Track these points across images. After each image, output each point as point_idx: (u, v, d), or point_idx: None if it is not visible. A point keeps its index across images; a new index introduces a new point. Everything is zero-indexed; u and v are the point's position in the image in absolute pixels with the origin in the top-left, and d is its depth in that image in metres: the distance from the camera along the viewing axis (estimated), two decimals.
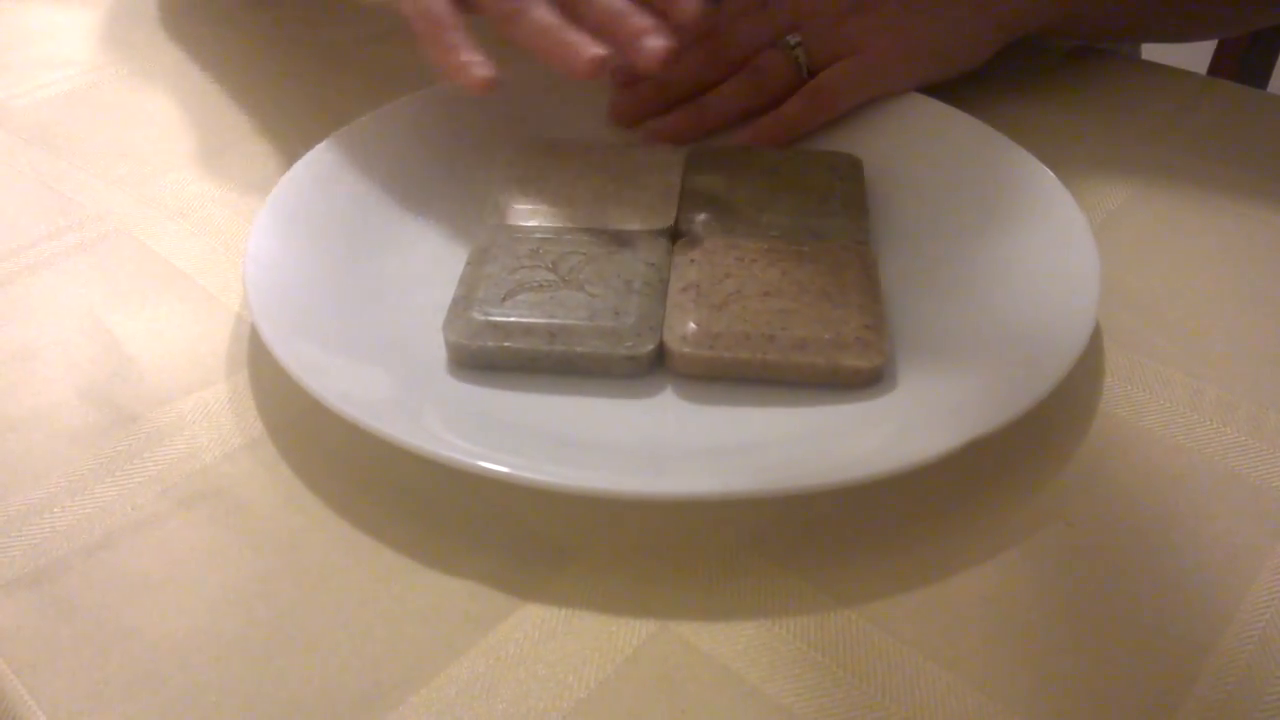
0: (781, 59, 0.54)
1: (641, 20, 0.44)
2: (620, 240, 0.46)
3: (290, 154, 0.56)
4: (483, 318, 0.41)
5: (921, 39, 0.55)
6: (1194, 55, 0.89)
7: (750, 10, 0.57)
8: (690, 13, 0.46)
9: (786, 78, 0.54)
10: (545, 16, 0.45)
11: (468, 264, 0.44)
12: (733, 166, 0.50)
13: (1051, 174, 0.48)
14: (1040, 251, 0.45)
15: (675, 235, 0.47)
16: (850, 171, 0.50)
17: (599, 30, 0.45)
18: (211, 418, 0.41)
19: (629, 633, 0.34)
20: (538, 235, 0.46)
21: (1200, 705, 0.32)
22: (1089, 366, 0.43)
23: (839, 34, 0.54)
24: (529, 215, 0.48)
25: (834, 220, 0.47)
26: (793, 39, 0.54)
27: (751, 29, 0.55)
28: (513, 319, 0.41)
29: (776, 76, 0.54)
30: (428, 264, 0.47)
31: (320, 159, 0.50)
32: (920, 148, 0.53)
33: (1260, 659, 0.33)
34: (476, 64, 0.44)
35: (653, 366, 0.42)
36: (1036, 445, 0.40)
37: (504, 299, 0.42)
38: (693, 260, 0.44)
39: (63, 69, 0.65)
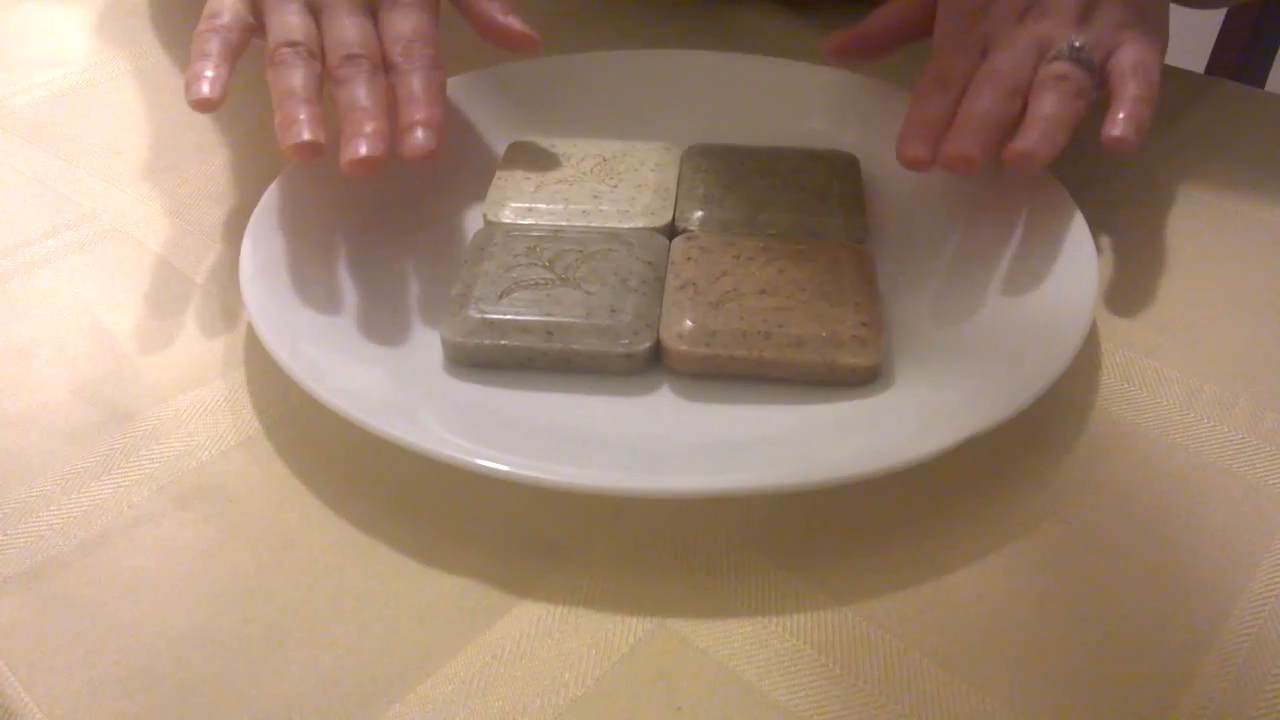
0: (1072, 66, 0.48)
1: (376, 125, 0.45)
2: (617, 238, 0.45)
3: None
4: (479, 315, 0.41)
5: (1148, 5, 0.51)
6: (1191, 54, 0.89)
7: (980, 55, 0.51)
8: (419, 148, 0.46)
9: (1087, 81, 0.48)
10: (297, 79, 0.46)
11: (464, 262, 0.44)
12: (730, 164, 0.50)
13: (1048, 172, 0.48)
14: (1037, 249, 0.45)
15: (672, 233, 0.47)
16: (847, 170, 0.50)
17: (339, 111, 0.46)
18: (207, 415, 0.41)
19: (625, 630, 0.34)
20: (534, 233, 0.46)
21: (1197, 702, 0.32)
22: (1086, 364, 0.43)
23: (1094, 37, 0.49)
24: (526, 213, 0.48)
25: (831, 218, 0.47)
26: (1076, 40, 0.48)
27: (1010, 59, 0.49)
28: (509, 317, 0.41)
29: (1079, 80, 0.48)
30: (424, 262, 0.47)
31: None
32: None
33: (1257, 656, 0.33)
34: (200, 81, 0.45)
35: (649, 364, 0.41)
36: (1033, 443, 0.40)
37: (500, 297, 0.42)
38: (690, 258, 0.44)
39: (59, 67, 0.65)
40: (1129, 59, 0.48)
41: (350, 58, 0.47)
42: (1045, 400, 0.37)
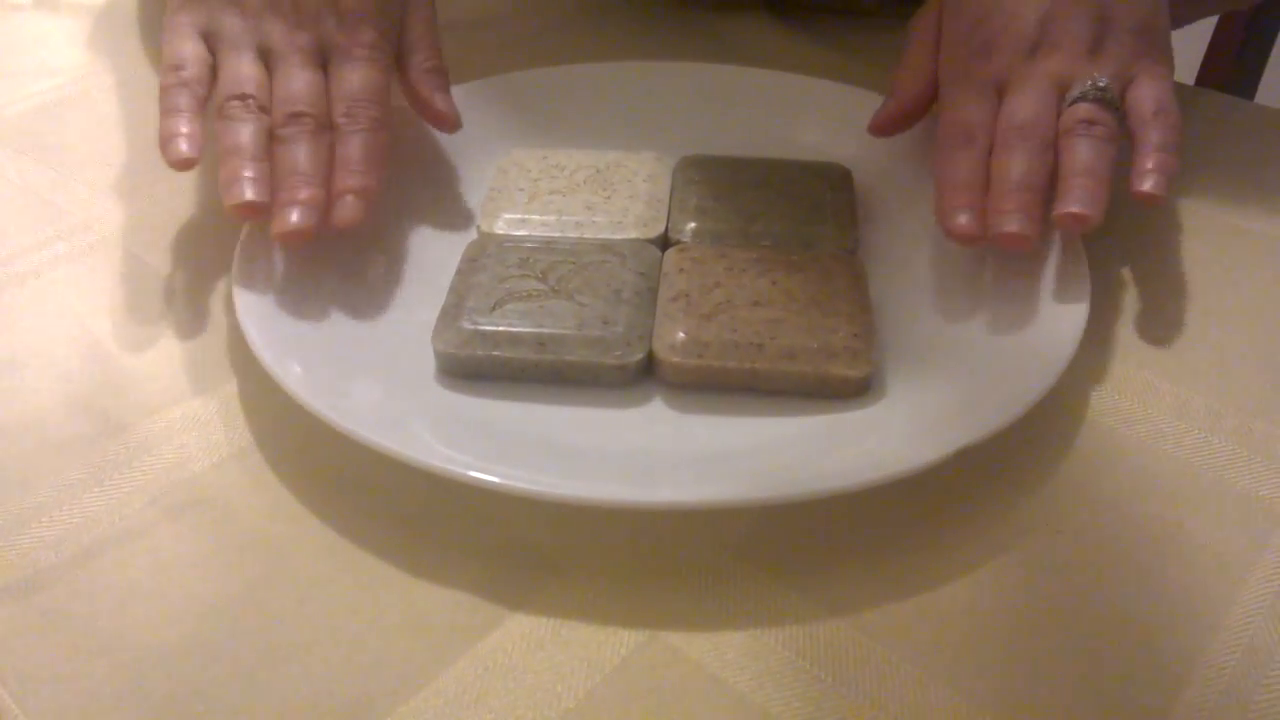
0: (1097, 107, 0.47)
1: (312, 192, 0.45)
2: (610, 249, 0.46)
3: None
4: (472, 327, 0.41)
5: (1153, 22, 0.50)
6: (1182, 66, 0.90)
7: (991, 99, 0.49)
8: (343, 219, 0.46)
9: (1114, 121, 0.47)
10: (244, 135, 0.46)
11: (457, 273, 0.44)
12: (722, 176, 0.50)
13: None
14: (1029, 260, 0.45)
15: (665, 244, 0.47)
16: (840, 181, 0.50)
17: (278, 173, 0.46)
18: (200, 427, 0.41)
19: (618, 642, 0.34)
20: (527, 244, 0.46)
21: (1188, 712, 0.32)
22: (1077, 375, 0.43)
23: (1112, 69, 0.48)
24: (519, 224, 0.48)
25: (823, 230, 0.47)
26: (1100, 80, 0.47)
27: (1029, 106, 0.48)
28: (502, 328, 0.41)
29: (1108, 122, 0.47)
30: (417, 273, 0.47)
31: None
32: (909, 158, 0.53)
33: (1248, 665, 0.33)
34: (175, 143, 0.46)
35: (642, 375, 0.42)
36: (1025, 454, 0.40)
37: (493, 308, 0.42)
38: (682, 269, 0.44)
39: (52, 77, 0.65)
40: (1149, 99, 0.47)
41: (295, 116, 0.47)
42: (1037, 411, 0.38)
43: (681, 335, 0.41)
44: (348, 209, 0.45)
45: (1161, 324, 0.46)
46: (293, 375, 0.38)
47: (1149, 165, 0.45)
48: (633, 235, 0.47)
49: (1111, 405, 0.42)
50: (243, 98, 0.47)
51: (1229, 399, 0.42)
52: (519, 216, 0.48)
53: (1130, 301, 0.47)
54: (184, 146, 0.46)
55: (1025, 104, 0.48)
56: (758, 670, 0.33)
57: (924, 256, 0.48)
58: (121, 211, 0.53)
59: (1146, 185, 0.44)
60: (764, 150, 0.53)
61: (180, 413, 0.42)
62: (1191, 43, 0.88)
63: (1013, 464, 0.40)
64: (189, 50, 0.49)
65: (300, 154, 0.46)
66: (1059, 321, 0.41)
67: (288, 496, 0.39)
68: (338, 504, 0.38)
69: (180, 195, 0.54)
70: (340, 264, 0.46)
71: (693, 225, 0.48)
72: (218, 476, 0.39)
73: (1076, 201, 0.43)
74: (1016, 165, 0.45)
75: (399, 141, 0.53)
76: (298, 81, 0.48)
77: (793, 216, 0.48)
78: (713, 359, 0.40)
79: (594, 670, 0.33)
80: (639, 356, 0.41)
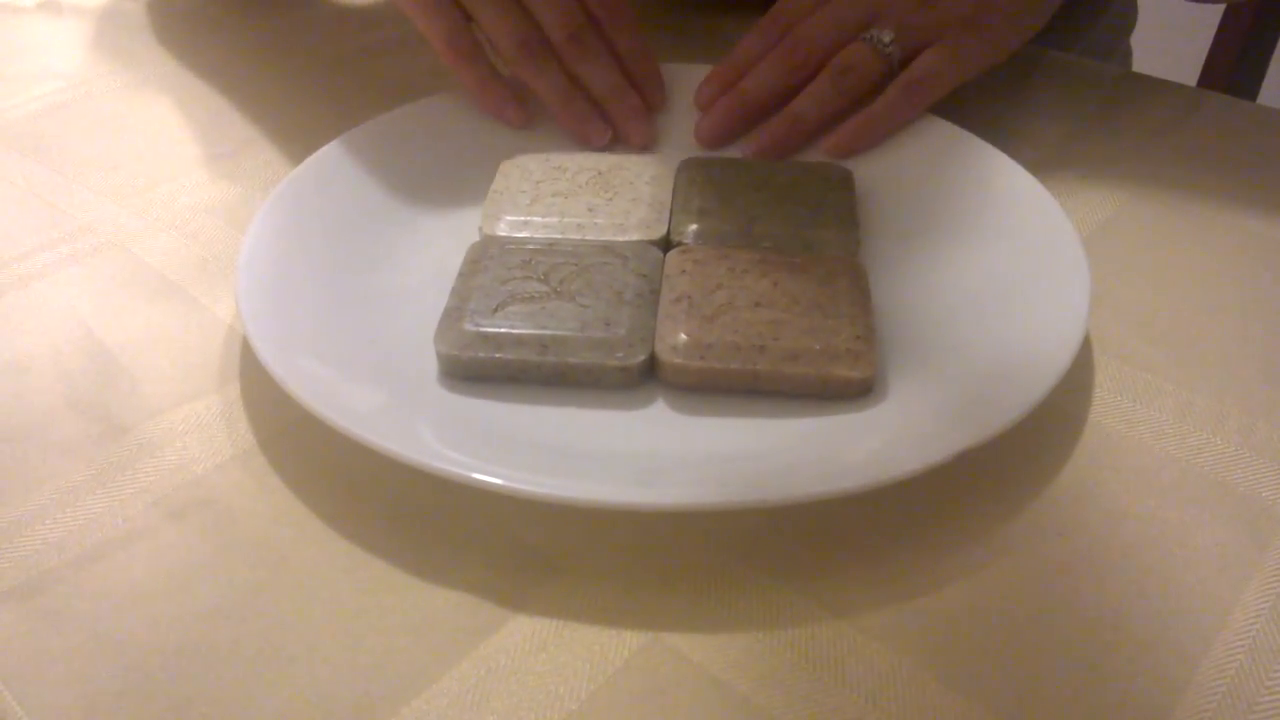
0: (869, 55, 0.52)
1: (633, 99, 0.53)
2: (612, 251, 0.46)
3: (282, 165, 0.57)
4: (474, 329, 0.41)
5: (998, 11, 0.53)
6: (1184, 68, 0.90)
7: (815, 8, 0.55)
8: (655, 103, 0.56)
9: (877, 75, 0.52)
10: (559, 76, 0.52)
11: (459, 275, 0.44)
12: (725, 178, 0.50)
13: (1041, 186, 0.48)
14: (1030, 263, 0.45)
15: (667, 246, 0.47)
16: (841, 183, 0.50)
17: (596, 98, 0.53)
18: (203, 429, 0.41)
19: (620, 644, 0.34)
20: (529, 246, 0.46)
21: (1190, 715, 0.32)
22: (1079, 377, 0.43)
23: (920, 23, 0.52)
24: (521, 226, 0.48)
25: (825, 232, 0.47)
26: (885, 34, 0.52)
27: (821, 27, 0.53)
28: (504, 330, 0.41)
29: (866, 75, 0.52)
30: (419, 275, 0.47)
31: (312, 171, 0.50)
32: (911, 160, 0.53)
33: (1250, 668, 0.33)
34: (509, 108, 0.54)
35: (644, 377, 0.42)
36: (1028, 456, 0.40)
37: (495, 310, 0.42)
38: (684, 271, 0.44)
39: (55, 80, 0.65)
40: (921, 68, 0.52)
41: (573, 37, 0.53)
42: (1039, 413, 0.38)
43: (684, 337, 0.41)
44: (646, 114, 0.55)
45: (1164, 325, 0.46)
46: (295, 377, 0.38)
47: (848, 126, 0.52)
48: (635, 237, 0.47)
49: (1113, 406, 0.42)
50: (525, 43, 0.52)
51: (1232, 400, 0.42)
52: (521, 218, 0.48)
53: (1132, 302, 0.47)
54: (516, 115, 0.54)
55: (818, 22, 0.54)
56: (760, 672, 0.33)
57: (925, 258, 0.48)
58: (124, 214, 0.53)
59: (832, 140, 0.53)
60: None
61: (183, 414, 0.42)
62: (1194, 44, 0.89)
63: (1015, 465, 0.40)
64: (448, 18, 0.53)
65: (601, 69, 0.54)
66: (1060, 323, 0.41)
67: (290, 498, 0.39)
68: (340, 506, 0.38)
69: (183, 197, 0.54)
70: (343, 266, 0.47)
71: (695, 227, 0.48)
72: (220, 478, 0.40)
73: (760, 141, 0.53)
74: (763, 77, 0.54)
75: (402, 144, 0.53)
76: (553, 5, 0.53)
77: (795, 218, 0.48)
78: (715, 361, 0.40)
79: (597, 672, 0.33)
80: (641, 358, 0.41)
